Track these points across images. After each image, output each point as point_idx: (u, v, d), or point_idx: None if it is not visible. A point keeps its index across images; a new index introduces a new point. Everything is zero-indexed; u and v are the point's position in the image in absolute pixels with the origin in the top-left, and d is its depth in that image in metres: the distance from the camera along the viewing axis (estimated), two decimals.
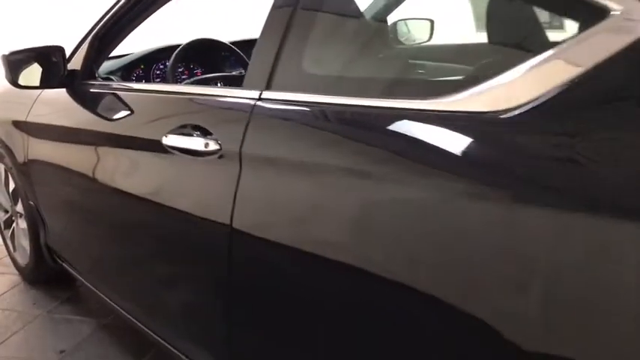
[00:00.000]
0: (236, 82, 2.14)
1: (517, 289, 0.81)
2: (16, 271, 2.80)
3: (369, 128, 1.07)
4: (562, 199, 0.78)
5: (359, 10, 1.44)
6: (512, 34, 1.25)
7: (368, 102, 1.08)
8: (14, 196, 2.58)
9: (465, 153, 0.89)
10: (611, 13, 0.82)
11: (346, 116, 1.13)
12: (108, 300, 2.01)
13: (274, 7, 1.32)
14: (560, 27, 1.08)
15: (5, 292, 2.67)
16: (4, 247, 2.90)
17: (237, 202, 1.25)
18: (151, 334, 1.76)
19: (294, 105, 1.21)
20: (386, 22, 1.45)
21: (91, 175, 1.86)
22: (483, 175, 0.87)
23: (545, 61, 0.86)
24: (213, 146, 1.31)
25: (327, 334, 1.11)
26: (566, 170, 0.79)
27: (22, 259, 2.67)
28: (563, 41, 0.85)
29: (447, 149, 0.92)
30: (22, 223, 2.55)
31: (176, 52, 2.22)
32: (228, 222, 1.26)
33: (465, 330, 0.87)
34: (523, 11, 1.30)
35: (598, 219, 0.74)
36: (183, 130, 1.42)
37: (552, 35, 1.08)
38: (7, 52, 1.87)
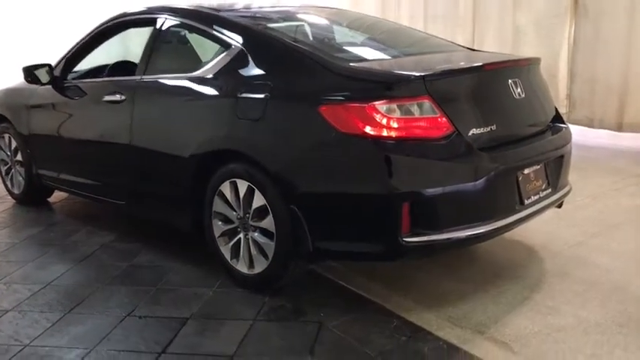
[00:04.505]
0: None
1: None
2: (12, 200, 4.69)
3: (176, 82, 3.16)
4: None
5: (176, 41, 3.53)
6: (207, 53, 3.35)
7: (170, 75, 3.18)
8: (14, 152, 4.48)
9: (190, 89, 3.01)
10: (232, 45, 2.93)
11: (161, 82, 3.22)
12: (72, 190, 4.00)
13: (146, 43, 3.39)
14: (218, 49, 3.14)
15: (8, 208, 4.56)
16: (3, 188, 4.78)
17: (133, 123, 3.30)
18: (93, 196, 3.76)
19: (152, 79, 3.28)
20: (188, 43, 3.54)
21: (64, 127, 3.85)
22: (191, 93, 2.99)
23: (213, 62, 2.96)
24: (122, 98, 3.36)
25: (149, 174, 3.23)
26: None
27: (18, 190, 4.57)
28: (219, 55, 2.97)
29: (186, 89, 3.02)
30: (20, 169, 4.46)
31: (109, 66, 4.25)
32: (129, 137, 3.30)
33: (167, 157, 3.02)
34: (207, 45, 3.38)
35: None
36: (112, 93, 3.45)
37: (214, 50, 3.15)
38: (24, 66, 3.88)
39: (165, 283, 3.06)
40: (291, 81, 2.66)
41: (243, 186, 2.77)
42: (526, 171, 2.68)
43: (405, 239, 2.37)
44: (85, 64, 4.17)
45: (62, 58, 4.02)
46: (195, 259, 3.31)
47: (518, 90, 2.74)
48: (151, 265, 3.31)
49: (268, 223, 2.69)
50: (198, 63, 3.27)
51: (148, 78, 3.31)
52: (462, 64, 2.79)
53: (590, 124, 6.21)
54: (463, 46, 3.65)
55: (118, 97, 3.40)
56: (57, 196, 4.63)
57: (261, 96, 2.65)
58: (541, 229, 3.42)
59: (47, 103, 4.05)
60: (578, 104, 6.33)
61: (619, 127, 5.81)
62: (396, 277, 2.95)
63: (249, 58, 2.85)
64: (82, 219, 4.19)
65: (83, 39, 3.92)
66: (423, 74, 2.42)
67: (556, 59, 6.26)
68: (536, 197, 2.73)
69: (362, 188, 2.41)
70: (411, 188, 2.37)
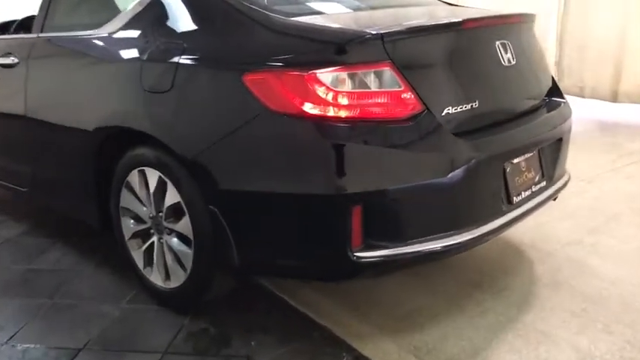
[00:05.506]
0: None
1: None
2: None
3: (75, 40, 2.48)
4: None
5: None
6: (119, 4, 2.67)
7: (73, 33, 2.49)
8: None
9: (90, 49, 2.33)
10: None
11: (58, 42, 2.56)
12: None
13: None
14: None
15: None
16: None
17: (27, 92, 2.62)
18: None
19: (50, 38, 2.60)
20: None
21: None
22: (91, 55, 2.33)
23: (119, 16, 2.29)
24: (15, 61, 2.68)
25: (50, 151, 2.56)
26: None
27: None
28: (128, 6, 2.29)
29: (86, 50, 2.35)
30: None
31: (16, 22, 3.53)
32: (24, 110, 2.64)
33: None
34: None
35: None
36: (5, 55, 2.77)
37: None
38: None
39: (65, 294, 2.45)
40: (210, 41, 2.01)
41: (153, 177, 2.15)
42: (515, 160, 2.09)
43: (355, 254, 1.78)
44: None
45: None
46: (113, 261, 2.70)
47: (508, 55, 2.12)
48: (56, 268, 2.70)
49: (184, 226, 2.08)
50: (105, 17, 2.60)
51: (44, 36, 2.63)
52: (436, 21, 2.15)
53: (581, 93, 5.64)
54: (445, 2, 3.00)
55: (11, 59, 2.72)
56: None
57: (170, 61, 2.00)
58: (529, 222, 2.82)
59: None
60: (567, 72, 5.75)
61: (614, 97, 5.24)
62: (351, 289, 2.37)
63: (163, 12, 2.19)
64: None
65: None
66: (381, 32, 1.79)
67: (546, 21, 5.65)
68: (528, 193, 2.15)
69: (298, 187, 1.80)
70: (364, 187, 1.76)
